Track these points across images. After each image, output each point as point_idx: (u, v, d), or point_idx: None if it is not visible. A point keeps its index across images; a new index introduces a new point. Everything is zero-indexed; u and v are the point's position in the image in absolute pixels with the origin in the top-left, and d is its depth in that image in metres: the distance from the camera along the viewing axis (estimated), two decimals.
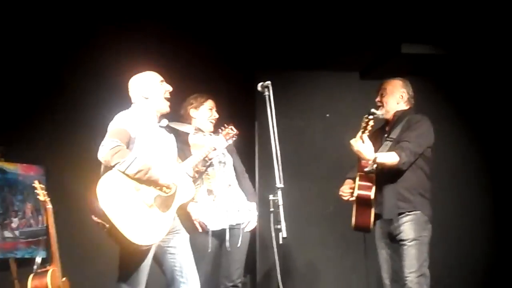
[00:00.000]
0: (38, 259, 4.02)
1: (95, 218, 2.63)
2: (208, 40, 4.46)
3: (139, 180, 2.72)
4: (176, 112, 3.45)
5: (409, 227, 3.16)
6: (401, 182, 3.20)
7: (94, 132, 3.05)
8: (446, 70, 4.76)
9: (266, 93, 2.92)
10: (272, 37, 4.39)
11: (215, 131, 3.48)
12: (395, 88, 3.37)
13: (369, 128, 3.03)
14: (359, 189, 3.23)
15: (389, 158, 3.14)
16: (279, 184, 2.77)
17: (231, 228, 3.42)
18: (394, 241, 3.25)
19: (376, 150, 3.16)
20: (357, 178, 3.25)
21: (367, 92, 4.92)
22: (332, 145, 4.86)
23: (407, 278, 3.11)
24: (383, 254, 3.32)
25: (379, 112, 3.12)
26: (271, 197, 2.77)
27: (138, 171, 2.70)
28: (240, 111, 4.83)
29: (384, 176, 3.20)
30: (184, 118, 3.58)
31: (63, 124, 4.91)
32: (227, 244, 3.38)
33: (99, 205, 2.58)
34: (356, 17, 4.01)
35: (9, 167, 4.69)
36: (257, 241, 4.38)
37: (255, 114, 4.77)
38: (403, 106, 3.36)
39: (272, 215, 2.76)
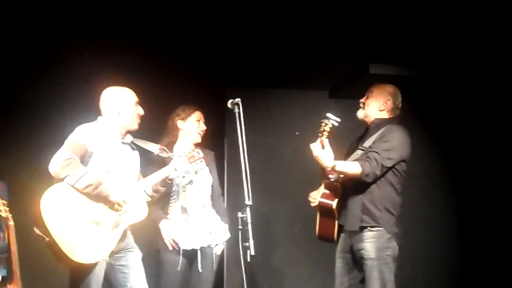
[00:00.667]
0: None
1: (36, 230, 2.57)
2: (179, 56, 4.44)
3: (88, 195, 2.67)
4: (145, 128, 3.40)
5: (370, 246, 3.00)
6: (367, 195, 3.04)
7: (58, 146, 2.99)
8: (413, 90, 4.84)
9: (236, 110, 2.93)
10: (243, 55, 4.40)
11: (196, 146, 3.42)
12: (382, 93, 3.22)
13: (325, 132, 2.92)
14: (321, 197, 3.11)
15: (351, 167, 2.99)
16: (247, 201, 2.76)
17: (202, 248, 3.38)
18: (355, 256, 3.09)
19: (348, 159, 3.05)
20: (322, 186, 3.14)
21: (336, 111, 5.00)
22: (301, 162, 4.81)
23: None
24: (338, 268, 3.14)
25: (335, 119, 2.96)
26: (239, 214, 2.76)
27: (88, 185, 2.65)
28: (211, 128, 4.79)
29: (350, 186, 3.06)
30: (171, 130, 3.53)
31: (26, 139, 4.80)
32: (199, 265, 3.33)
33: (41, 217, 2.51)
34: (326, 37, 4.06)
35: None
36: (225, 258, 4.33)
37: (225, 131, 4.76)
38: (385, 114, 3.20)
39: (240, 232, 2.74)
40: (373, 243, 3.00)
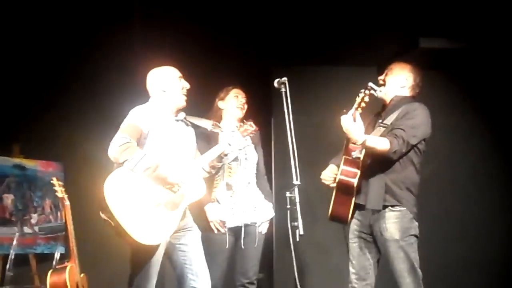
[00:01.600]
0: (57, 255, 4.08)
1: (102, 215, 2.64)
2: (225, 37, 4.45)
3: (148, 178, 2.71)
4: (193, 108, 3.44)
5: (394, 226, 2.92)
6: (390, 174, 2.95)
7: (111, 129, 3.06)
8: (465, 64, 4.68)
9: (283, 89, 2.91)
10: (289, 33, 4.36)
11: (240, 122, 3.43)
12: (402, 70, 3.13)
13: (363, 104, 2.78)
14: (342, 174, 2.96)
15: (380, 143, 2.86)
16: (295, 181, 2.75)
17: (246, 226, 3.41)
18: (372, 235, 3.02)
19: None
20: (342, 162, 2.99)
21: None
22: None
23: (401, 283, 2.90)
24: (355, 248, 3.05)
25: (377, 88, 2.84)
26: (287, 194, 2.76)
27: (146, 169, 2.69)
28: (257, 108, 4.79)
29: (372, 164, 2.95)
30: (214, 111, 3.57)
31: (82, 121, 4.95)
32: (242, 242, 3.37)
33: (105, 202, 2.58)
34: (374, 11, 3.97)
35: (29, 164, 4.76)
36: (274, 238, 4.36)
37: (272, 111, 4.75)
38: (405, 91, 3.10)
39: (288, 212, 2.74)
40: (396, 224, 2.92)
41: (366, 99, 2.77)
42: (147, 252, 2.77)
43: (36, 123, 4.87)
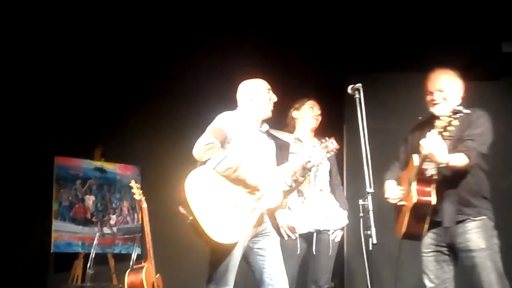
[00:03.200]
0: (134, 255, 4.24)
1: (181, 209, 2.71)
2: (297, 44, 4.47)
3: (227, 178, 2.78)
4: (275, 121, 3.48)
5: (477, 236, 2.85)
6: (463, 185, 2.89)
7: (187, 134, 3.15)
8: None
9: (357, 95, 2.87)
10: (361, 39, 4.31)
11: (318, 139, 3.45)
12: (455, 80, 3.08)
13: (450, 128, 2.63)
14: (419, 194, 2.88)
15: (461, 160, 2.78)
16: (369, 188, 2.71)
17: (319, 232, 3.39)
18: (450, 249, 2.95)
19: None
20: (414, 183, 2.91)
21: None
22: None
23: None
24: (431, 262, 2.98)
25: (466, 111, 2.60)
26: (360, 202, 2.71)
27: (227, 169, 2.75)
28: (329, 114, 4.78)
29: (444, 179, 2.88)
30: (287, 123, 3.63)
31: (159, 127, 5.13)
32: (314, 248, 3.36)
33: (185, 197, 2.66)
34: (453, 15, 3.84)
35: (109, 166, 4.98)
36: (345, 246, 4.31)
37: (344, 117, 4.70)
38: (459, 101, 2.98)
39: (361, 220, 2.71)
40: (479, 233, 2.87)
41: (455, 122, 2.62)
42: (224, 254, 2.82)
43: (117, 127, 5.10)
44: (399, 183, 3.10)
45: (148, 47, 4.73)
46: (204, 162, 2.78)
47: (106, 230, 4.79)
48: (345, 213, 3.49)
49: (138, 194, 3.54)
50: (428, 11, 3.85)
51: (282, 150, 3.37)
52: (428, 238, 3.00)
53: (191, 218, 2.67)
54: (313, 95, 4.42)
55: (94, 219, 4.77)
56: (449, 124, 2.62)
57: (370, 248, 2.65)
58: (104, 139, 5.11)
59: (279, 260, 2.98)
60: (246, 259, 2.98)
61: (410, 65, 4.65)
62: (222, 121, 2.94)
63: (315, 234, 3.37)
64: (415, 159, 2.89)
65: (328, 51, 4.56)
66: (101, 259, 4.63)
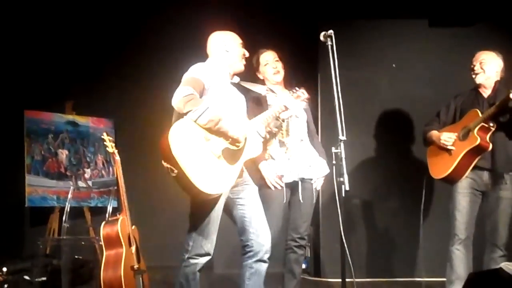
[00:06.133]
0: (110, 208, 4.25)
1: (164, 163, 2.68)
2: None
3: (209, 130, 2.74)
4: (246, 74, 3.43)
5: (511, 187, 3.42)
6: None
7: (161, 86, 3.09)
8: None
9: (329, 43, 2.82)
10: None
11: (288, 89, 3.42)
12: (496, 58, 3.55)
13: None
14: (481, 139, 3.39)
15: None
16: (341, 136, 2.71)
17: (302, 181, 3.42)
18: (487, 195, 3.48)
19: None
20: (477, 128, 3.41)
21: (436, 40, 4.73)
22: (399, 96, 4.71)
23: (500, 233, 3.43)
24: (466, 201, 3.48)
25: None
26: (333, 149, 2.72)
27: (209, 121, 2.71)
28: (303, 63, 4.76)
29: (500, 134, 3.42)
30: (259, 82, 3.58)
31: (132, 79, 5.04)
32: (300, 196, 3.39)
33: (170, 150, 2.60)
34: None
35: (81, 120, 4.91)
36: (320, 193, 4.37)
37: (318, 65, 4.67)
38: (499, 76, 3.55)
39: (334, 168, 2.73)
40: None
41: None
42: (207, 206, 2.80)
43: (88, 80, 5.00)
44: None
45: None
46: (183, 114, 2.71)
47: (81, 183, 4.77)
48: (325, 162, 3.51)
49: (110, 147, 3.49)
50: None
51: (262, 102, 3.33)
52: (466, 182, 3.49)
53: (176, 171, 2.65)
54: (288, 43, 4.40)
55: (68, 173, 4.73)
56: None
57: (343, 195, 2.69)
58: (76, 93, 5.02)
59: (259, 209, 2.99)
60: (226, 209, 2.97)
61: (384, 12, 4.62)
62: (199, 71, 2.86)
63: (300, 183, 3.40)
64: (479, 112, 3.44)
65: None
66: (77, 212, 4.63)
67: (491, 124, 3.40)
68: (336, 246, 2.86)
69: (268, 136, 3.18)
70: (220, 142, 2.77)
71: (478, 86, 3.56)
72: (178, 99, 2.69)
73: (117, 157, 3.46)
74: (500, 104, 3.37)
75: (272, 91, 3.39)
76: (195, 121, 2.69)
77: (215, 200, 2.79)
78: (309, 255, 4.83)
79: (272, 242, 2.95)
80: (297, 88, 3.19)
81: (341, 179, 2.67)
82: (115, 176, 3.94)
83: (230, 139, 2.80)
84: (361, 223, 4.74)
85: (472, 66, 3.55)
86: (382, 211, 4.71)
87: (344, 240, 2.68)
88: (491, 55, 3.54)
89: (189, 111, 2.68)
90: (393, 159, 4.65)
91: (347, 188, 2.66)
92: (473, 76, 3.54)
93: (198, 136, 2.71)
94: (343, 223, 2.74)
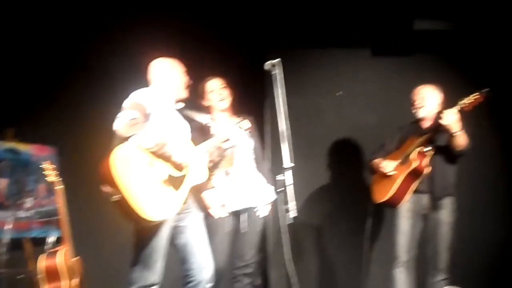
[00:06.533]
0: (50, 239, 4.09)
1: (104, 188, 2.61)
2: (219, 19, 4.41)
3: (153, 155, 2.71)
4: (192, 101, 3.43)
5: (449, 211, 3.57)
6: (453, 168, 3.60)
7: (107, 112, 3.04)
8: (459, 46, 4.65)
9: (275, 71, 2.88)
10: (283, 15, 4.32)
11: (234, 117, 3.44)
12: (434, 91, 3.71)
13: (471, 104, 3.32)
14: (417, 163, 3.52)
15: (464, 138, 3.43)
16: (287, 164, 2.74)
17: (246, 209, 3.41)
18: (428, 218, 3.60)
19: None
20: (414, 153, 3.55)
21: (379, 69, 4.89)
22: (344, 123, 4.82)
23: (441, 256, 3.55)
24: (407, 224, 3.60)
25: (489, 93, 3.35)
26: (278, 177, 2.74)
27: (154, 145, 2.68)
28: (251, 91, 4.78)
29: (441, 158, 3.56)
30: (205, 110, 3.58)
31: (76, 105, 4.92)
32: (243, 225, 3.37)
33: (111, 174, 2.55)
34: None
35: (22, 148, 4.74)
36: (268, 220, 4.37)
37: (266, 94, 4.72)
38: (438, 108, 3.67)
39: (280, 195, 2.74)
40: (451, 208, 3.59)
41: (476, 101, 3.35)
42: (150, 234, 2.74)
43: (30, 107, 4.84)
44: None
45: (64, 23, 4.51)
46: (125, 139, 2.68)
47: (21, 214, 4.57)
48: (272, 188, 3.52)
49: (52, 175, 3.39)
50: None
51: (205, 132, 3.32)
52: (407, 206, 3.62)
53: (117, 196, 2.57)
54: (237, 71, 4.43)
55: (7, 203, 4.53)
56: (474, 100, 3.30)
57: (289, 222, 2.69)
58: (18, 119, 4.85)
59: (202, 237, 2.96)
60: (169, 237, 2.94)
61: (329, 41, 4.74)
62: (141, 96, 2.86)
63: (243, 212, 3.39)
64: (417, 138, 3.59)
65: (251, 27, 4.54)
66: (17, 244, 4.42)
67: (427, 149, 3.53)
68: (284, 273, 2.86)
69: (211, 165, 3.17)
70: (164, 168, 2.74)
71: (419, 119, 3.71)
72: (121, 123, 2.66)
73: (59, 186, 3.37)
74: (433, 126, 3.55)
75: (216, 120, 3.40)
76: (139, 146, 2.65)
77: (157, 227, 2.72)
78: (258, 283, 4.79)
79: (219, 272, 2.93)
80: (240, 118, 3.22)
81: (287, 206, 2.69)
82: (57, 205, 3.82)
83: (175, 165, 2.76)
84: (310, 249, 4.76)
85: (412, 100, 3.69)
86: (331, 237, 4.76)
87: (290, 267, 2.68)
88: (430, 89, 3.69)
89: (133, 135, 2.64)
90: (341, 185, 4.73)
91: (292, 216, 2.67)
92: (415, 110, 3.68)
93: (141, 161, 2.67)
94: (292, 249, 2.75)
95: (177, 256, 2.95)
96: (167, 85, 3.02)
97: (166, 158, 2.74)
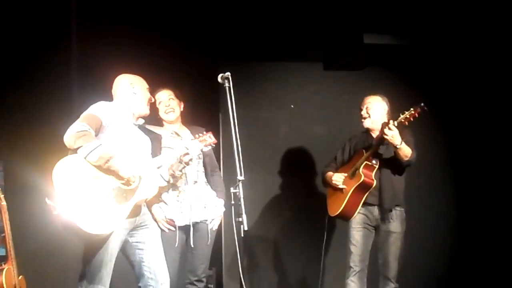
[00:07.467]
0: None
1: (47, 200, 2.56)
2: (171, 32, 4.38)
3: (99, 168, 2.68)
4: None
5: (398, 221, 3.65)
6: (399, 179, 3.68)
7: (54, 127, 2.98)
8: (408, 60, 4.79)
9: (227, 84, 2.88)
10: (236, 28, 4.33)
11: (189, 128, 3.42)
12: (381, 101, 3.76)
13: (411, 119, 3.39)
14: (365, 176, 3.59)
15: (408, 150, 3.52)
16: (239, 176, 2.74)
17: (196, 224, 3.38)
18: (378, 229, 3.68)
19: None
20: (362, 166, 3.61)
21: (331, 82, 4.97)
22: (297, 136, 4.86)
23: (391, 266, 3.62)
24: (360, 235, 3.66)
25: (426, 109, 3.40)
26: (232, 189, 2.74)
27: (99, 158, 2.65)
28: (206, 103, 4.78)
29: (385, 170, 3.64)
30: (159, 121, 3.56)
31: (22, 120, 4.77)
32: (191, 240, 3.35)
33: (52, 186, 2.53)
34: (319, 8, 3.98)
35: None
36: (223, 233, 4.35)
37: (219, 106, 4.72)
38: (385, 118, 3.72)
39: (233, 208, 2.73)
40: (399, 219, 3.66)
41: (416, 115, 3.39)
42: (98, 248, 2.71)
43: None
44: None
45: (16, 33, 4.37)
46: (75, 150, 2.65)
47: None
48: (221, 202, 3.51)
49: None
50: (298, 4, 3.94)
51: (154, 142, 3.29)
52: (358, 218, 3.68)
53: (58, 209, 2.52)
54: (190, 83, 4.41)
55: None
56: (413, 116, 3.37)
57: (242, 235, 2.69)
58: None
59: (158, 253, 2.93)
60: (124, 253, 2.90)
61: (282, 55, 4.79)
62: (97, 109, 2.83)
63: (191, 227, 3.36)
64: (365, 151, 3.67)
65: (203, 39, 4.53)
66: None
67: (374, 162, 3.61)
68: (239, 286, 2.85)
69: (171, 180, 3.14)
70: (111, 181, 2.70)
71: (367, 129, 3.79)
72: (69, 134, 2.66)
73: (3, 202, 3.26)
74: (377, 139, 3.62)
75: (178, 135, 3.38)
76: (85, 158, 2.62)
77: (105, 241, 2.69)
78: None
79: (170, 286, 2.89)
80: (204, 132, 3.21)
81: (240, 219, 2.68)
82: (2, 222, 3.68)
83: (121, 179, 2.73)
84: (265, 262, 4.75)
85: (359, 110, 3.76)
86: (286, 249, 4.76)
87: (243, 281, 2.67)
88: (376, 100, 3.75)
89: (80, 147, 2.62)
90: (294, 197, 4.76)
91: (246, 228, 2.67)
92: (361, 120, 3.75)
93: (86, 173, 2.64)
94: (246, 263, 2.74)
95: (134, 273, 2.91)
96: (130, 100, 3.02)
97: (113, 172, 2.71)
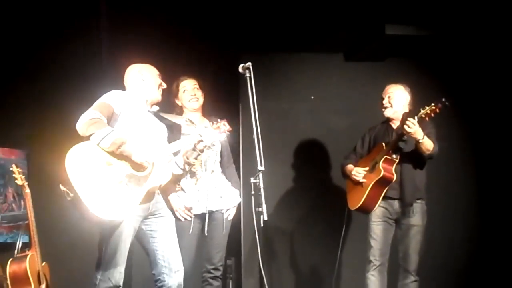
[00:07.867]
0: (19, 244, 4.01)
1: (61, 187, 2.60)
2: (192, 23, 4.40)
3: (112, 154, 2.71)
4: (165, 103, 3.41)
5: (419, 214, 3.64)
6: (420, 173, 3.65)
7: (77, 116, 3.01)
8: (430, 51, 4.73)
9: (247, 74, 2.89)
10: (256, 19, 4.33)
11: (210, 120, 3.45)
12: (404, 92, 3.75)
13: (432, 114, 3.35)
14: (385, 171, 3.56)
15: (431, 143, 3.51)
16: (259, 166, 2.75)
17: (212, 212, 3.41)
18: (399, 223, 3.67)
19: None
20: (382, 161, 3.58)
21: (352, 74, 4.94)
22: (317, 127, 4.85)
23: (412, 259, 3.61)
24: (380, 229, 3.66)
25: (448, 103, 3.36)
26: (252, 180, 2.75)
27: (112, 144, 2.69)
28: (226, 93, 4.79)
29: (406, 164, 3.62)
30: (175, 108, 3.57)
31: (45, 108, 4.83)
32: (206, 228, 3.37)
33: (65, 172, 2.57)
34: None
35: None
36: (242, 223, 4.37)
37: (239, 97, 4.72)
38: (407, 108, 3.71)
39: (253, 198, 2.74)
40: (420, 212, 3.65)
41: (437, 110, 3.34)
42: (112, 235, 2.75)
43: None
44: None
45: (35, 21, 4.43)
46: (88, 138, 2.69)
47: None
48: (237, 192, 3.53)
49: (20, 179, 3.33)
50: None
51: (174, 131, 3.32)
52: (379, 212, 3.67)
53: (72, 195, 2.56)
54: (211, 74, 4.42)
55: None
56: (433, 111, 3.33)
57: (262, 225, 2.70)
58: None
59: (172, 241, 2.96)
60: (139, 240, 2.93)
61: (303, 46, 4.77)
62: (110, 98, 2.87)
63: (207, 215, 3.39)
64: (384, 145, 3.63)
65: (224, 30, 4.54)
66: None
67: (394, 156, 3.59)
68: (258, 277, 2.86)
69: (187, 167, 3.16)
70: (124, 167, 2.74)
71: (388, 119, 3.76)
72: (82, 122, 2.70)
73: (27, 190, 3.32)
74: (397, 131, 3.59)
75: (192, 122, 3.40)
76: (97, 144, 2.66)
77: (118, 227, 2.74)
78: (230, 287, 4.78)
79: (186, 275, 2.92)
80: (219, 120, 3.21)
81: (260, 209, 2.70)
82: (25, 210, 3.75)
83: (134, 164, 2.76)
84: (282, 253, 4.77)
85: (381, 99, 3.74)
86: (304, 240, 4.77)
87: (262, 271, 2.68)
88: (398, 89, 3.73)
89: (92, 134, 2.66)
90: (313, 189, 4.75)
91: (266, 218, 2.68)
92: (382, 110, 3.73)
93: (99, 160, 2.67)
94: (265, 253, 2.75)
95: (148, 260, 2.93)
96: (140, 87, 3.04)
97: (126, 158, 2.75)
